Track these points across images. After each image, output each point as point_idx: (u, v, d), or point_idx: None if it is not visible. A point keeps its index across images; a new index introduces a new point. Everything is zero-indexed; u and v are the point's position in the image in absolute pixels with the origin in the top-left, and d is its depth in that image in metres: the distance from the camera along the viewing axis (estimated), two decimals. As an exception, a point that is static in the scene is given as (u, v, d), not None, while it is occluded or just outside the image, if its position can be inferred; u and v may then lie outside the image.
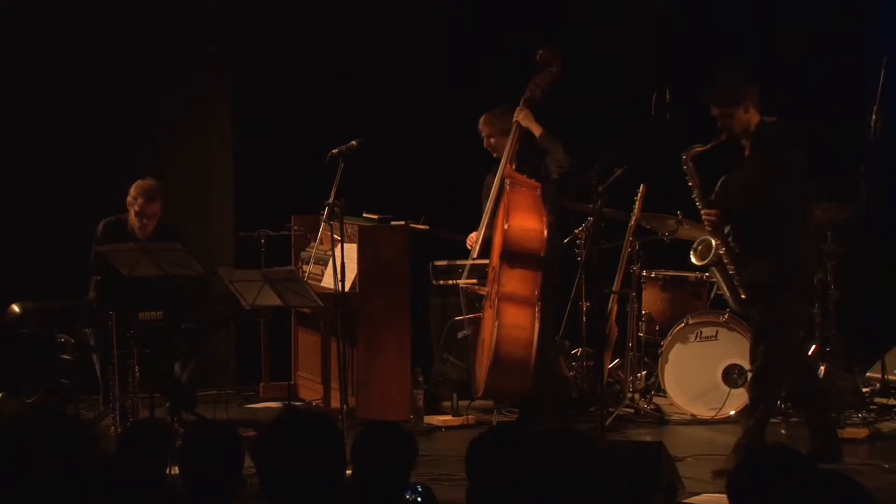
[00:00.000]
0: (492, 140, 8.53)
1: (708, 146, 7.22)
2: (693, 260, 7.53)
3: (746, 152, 7.21)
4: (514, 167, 8.39)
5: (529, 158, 8.41)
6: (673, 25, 9.94)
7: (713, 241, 7.25)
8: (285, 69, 9.91)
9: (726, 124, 7.14)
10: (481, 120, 8.56)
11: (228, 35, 10.00)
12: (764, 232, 7.08)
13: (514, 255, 8.17)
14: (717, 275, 7.35)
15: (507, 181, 8.30)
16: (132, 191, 8.43)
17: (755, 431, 7.15)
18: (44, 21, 9.49)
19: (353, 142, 8.11)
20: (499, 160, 8.48)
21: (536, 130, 8.33)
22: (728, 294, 7.30)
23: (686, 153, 7.26)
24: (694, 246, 7.48)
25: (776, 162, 7.09)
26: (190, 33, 9.77)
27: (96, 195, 8.92)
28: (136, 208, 8.39)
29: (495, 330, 8.07)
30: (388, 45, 9.95)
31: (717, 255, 7.24)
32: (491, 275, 8.32)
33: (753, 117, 7.17)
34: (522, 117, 8.36)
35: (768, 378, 7.15)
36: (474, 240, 8.60)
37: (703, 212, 7.25)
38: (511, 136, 8.40)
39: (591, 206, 7.64)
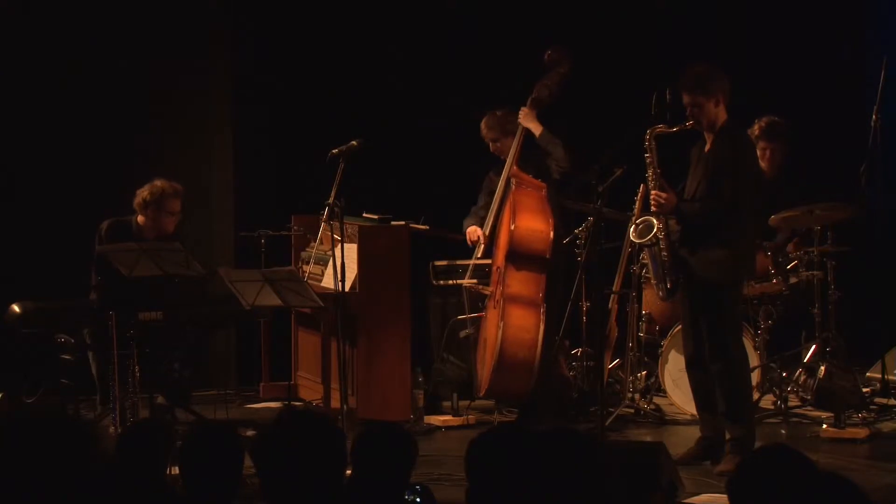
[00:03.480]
0: (497, 143, 8.53)
1: (673, 129, 7.24)
2: (632, 236, 7.57)
3: (707, 146, 7.24)
4: (519, 167, 8.39)
5: (534, 158, 8.41)
6: (673, 26, 9.94)
7: (655, 223, 7.28)
8: (285, 69, 9.91)
9: (695, 114, 7.16)
10: (483, 124, 8.57)
11: (228, 35, 10.00)
12: (712, 227, 7.12)
13: (521, 256, 8.18)
14: (649, 258, 7.42)
15: (513, 181, 8.30)
16: (150, 192, 8.33)
17: (750, 436, 7.19)
18: (44, 21, 9.49)
19: (353, 142, 8.11)
20: (504, 161, 8.50)
21: (536, 130, 8.34)
22: (655, 280, 7.37)
23: (650, 130, 7.28)
24: (636, 222, 7.50)
25: (730, 161, 7.13)
26: (190, 33, 9.77)
27: (97, 195, 8.92)
28: (167, 208, 8.32)
29: (500, 331, 8.07)
30: (389, 45, 9.95)
31: (656, 238, 7.27)
32: (495, 275, 8.32)
33: (721, 113, 7.20)
34: (523, 117, 8.37)
35: (736, 378, 7.22)
36: (475, 232, 8.57)
37: (654, 192, 7.27)
38: (516, 137, 8.41)
39: (591, 206, 7.65)
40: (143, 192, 8.39)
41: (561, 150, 8.27)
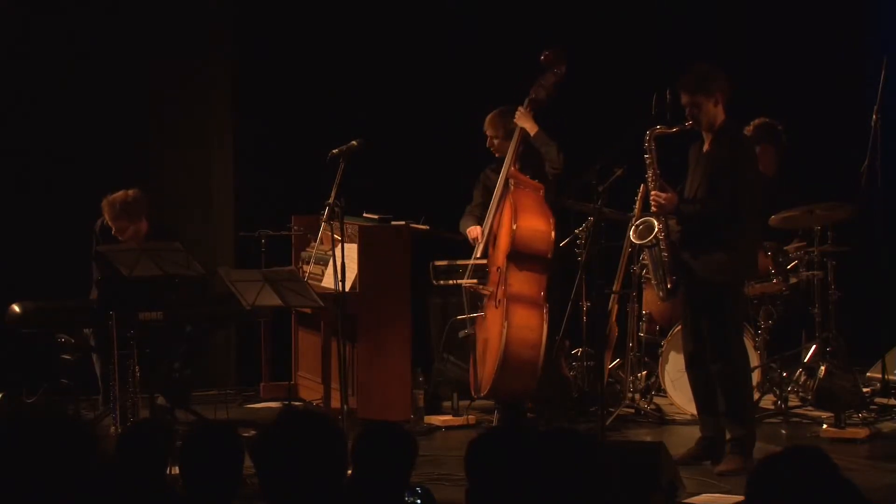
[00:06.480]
0: (495, 141, 8.56)
1: (672, 129, 7.23)
2: (632, 237, 7.57)
3: (706, 146, 7.24)
4: (517, 167, 8.41)
5: (532, 159, 8.43)
6: (673, 26, 9.94)
7: (655, 224, 7.28)
8: (285, 69, 9.91)
9: (694, 114, 7.16)
10: (486, 120, 8.59)
11: (228, 35, 9.99)
12: (712, 228, 7.12)
13: (523, 256, 8.20)
14: (650, 258, 7.42)
15: (512, 181, 8.31)
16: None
17: (751, 436, 7.19)
18: (44, 21, 9.49)
19: (353, 142, 8.12)
20: (501, 158, 8.50)
21: (531, 129, 8.36)
22: (655, 280, 7.37)
23: (649, 131, 7.27)
24: (636, 223, 7.51)
25: (729, 161, 7.13)
26: (190, 33, 9.76)
27: (97, 195, 8.90)
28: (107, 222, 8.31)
29: (504, 331, 8.08)
30: (389, 44, 9.94)
31: (656, 239, 7.27)
32: (495, 275, 8.32)
33: (720, 113, 7.20)
34: (519, 116, 8.39)
35: (736, 378, 7.21)
36: (475, 231, 8.58)
37: (654, 193, 7.27)
38: (515, 137, 8.42)
39: (591, 206, 7.65)
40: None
41: (554, 151, 8.30)
